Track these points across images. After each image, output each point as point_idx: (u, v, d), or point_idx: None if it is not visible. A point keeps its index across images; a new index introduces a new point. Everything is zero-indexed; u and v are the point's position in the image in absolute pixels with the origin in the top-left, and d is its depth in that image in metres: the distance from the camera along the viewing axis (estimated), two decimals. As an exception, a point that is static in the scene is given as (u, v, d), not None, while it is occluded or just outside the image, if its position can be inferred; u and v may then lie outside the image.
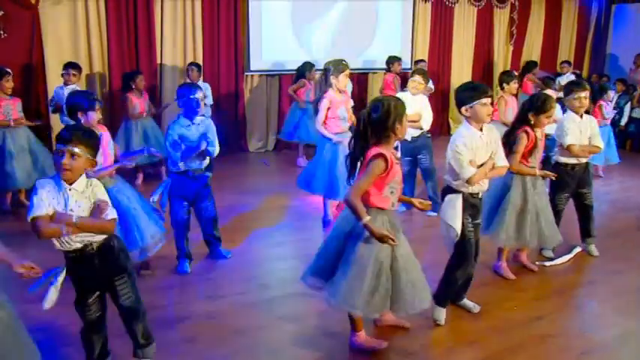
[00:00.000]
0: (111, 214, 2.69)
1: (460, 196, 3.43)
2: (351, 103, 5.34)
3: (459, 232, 3.42)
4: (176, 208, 4.31)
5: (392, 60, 8.37)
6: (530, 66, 9.46)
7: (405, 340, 3.44)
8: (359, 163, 3.08)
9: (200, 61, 7.91)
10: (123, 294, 2.84)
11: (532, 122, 4.04)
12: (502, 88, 6.28)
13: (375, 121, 2.99)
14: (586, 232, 4.84)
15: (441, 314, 3.63)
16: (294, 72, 8.19)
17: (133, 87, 6.61)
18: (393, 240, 2.94)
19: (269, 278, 4.31)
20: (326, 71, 5.08)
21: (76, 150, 2.56)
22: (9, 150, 5.53)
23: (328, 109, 5.01)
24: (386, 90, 8.03)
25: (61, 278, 2.68)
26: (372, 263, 3.01)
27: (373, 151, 2.99)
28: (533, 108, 4.04)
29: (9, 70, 5.66)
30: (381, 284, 3.04)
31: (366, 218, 2.93)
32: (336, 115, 5.03)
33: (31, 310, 2.88)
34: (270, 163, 6.66)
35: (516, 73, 6.99)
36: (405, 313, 3.20)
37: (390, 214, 3.09)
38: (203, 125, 4.24)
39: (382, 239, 2.93)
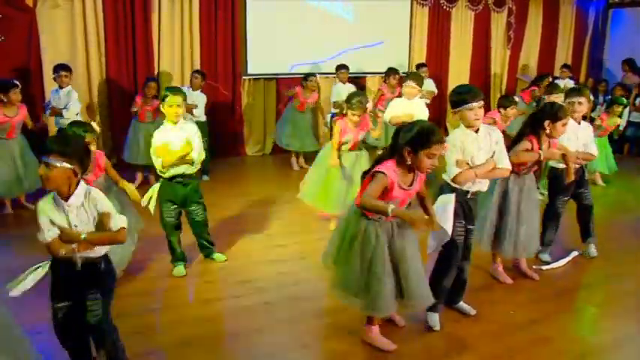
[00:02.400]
0: (116, 224, 2.64)
1: (453, 196, 3.42)
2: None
3: (450, 233, 3.40)
4: (164, 212, 4.30)
5: (388, 72, 8.16)
6: (542, 78, 9.26)
7: (401, 344, 3.41)
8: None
9: (198, 66, 7.91)
10: (91, 310, 2.71)
11: (549, 131, 3.97)
12: (499, 112, 6.13)
13: (401, 141, 2.97)
14: (586, 232, 4.83)
15: (435, 319, 3.62)
16: (290, 76, 8.18)
17: (143, 93, 6.67)
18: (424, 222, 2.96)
19: (266, 281, 4.29)
20: (348, 100, 5.06)
21: (50, 160, 2.52)
22: (4, 157, 5.49)
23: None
24: (382, 98, 7.93)
25: (42, 272, 2.66)
26: (382, 263, 3.08)
27: (381, 167, 2.98)
28: (549, 116, 3.96)
29: (17, 82, 5.53)
30: (390, 281, 3.12)
31: (390, 207, 2.87)
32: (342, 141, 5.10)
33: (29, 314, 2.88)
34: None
35: (516, 99, 6.81)
36: (413, 310, 3.28)
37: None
38: (187, 130, 4.20)
39: (414, 222, 2.90)
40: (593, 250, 4.84)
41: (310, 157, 6.38)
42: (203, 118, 7.08)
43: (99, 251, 2.71)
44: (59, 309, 2.75)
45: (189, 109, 6.85)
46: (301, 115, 7.90)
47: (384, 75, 8.35)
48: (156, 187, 4.25)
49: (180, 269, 4.35)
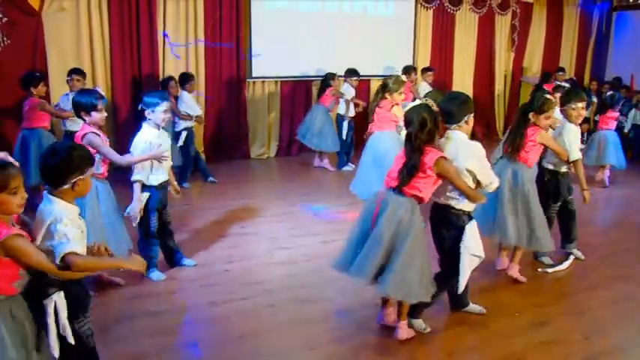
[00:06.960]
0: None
1: (475, 223, 3.42)
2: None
3: (483, 256, 3.42)
4: (152, 221, 4.22)
5: (409, 69, 8.58)
6: (546, 77, 9.43)
7: (407, 346, 3.43)
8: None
9: (202, 68, 7.98)
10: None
11: (533, 121, 4.08)
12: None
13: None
14: (568, 238, 4.78)
15: (420, 324, 3.58)
16: (295, 79, 8.20)
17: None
18: None
19: (271, 284, 4.30)
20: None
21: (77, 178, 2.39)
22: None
23: None
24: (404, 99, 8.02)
25: (62, 301, 2.42)
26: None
27: (433, 154, 3.14)
28: (534, 108, 4.07)
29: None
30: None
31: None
32: None
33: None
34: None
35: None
36: (404, 297, 3.27)
37: None
38: (165, 137, 4.17)
39: None
40: (577, 252, 4.82)
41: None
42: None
43: None
44: (87, 323, 2.55)
45: (185, 117, 6.84)
46: (325, 113, 7.98)
47: (403, 73, 8.42)
48: (145, 196, 4.10)
49: (158, 274, 4.32)
